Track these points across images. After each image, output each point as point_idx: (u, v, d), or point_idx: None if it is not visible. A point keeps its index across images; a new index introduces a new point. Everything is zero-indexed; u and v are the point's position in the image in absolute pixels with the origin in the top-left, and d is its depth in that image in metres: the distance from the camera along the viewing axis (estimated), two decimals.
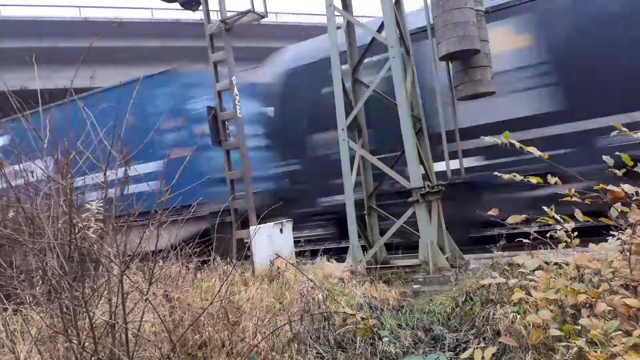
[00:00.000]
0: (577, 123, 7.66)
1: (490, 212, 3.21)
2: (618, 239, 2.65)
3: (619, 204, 2.55)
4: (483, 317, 4.35)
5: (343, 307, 4.80)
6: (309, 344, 4.20)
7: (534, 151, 2.80)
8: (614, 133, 2.72)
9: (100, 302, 3.71)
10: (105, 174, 3.33)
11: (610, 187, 2.53)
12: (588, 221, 2.79)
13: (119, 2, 53.35)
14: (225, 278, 5.03)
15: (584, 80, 7.58)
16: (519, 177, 2.90)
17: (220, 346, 3.96)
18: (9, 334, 3.52)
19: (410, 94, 7.09)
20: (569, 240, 2.77)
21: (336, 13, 7.24)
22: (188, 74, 10.23)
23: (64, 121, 3.68)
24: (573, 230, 2.81)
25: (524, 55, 8.15)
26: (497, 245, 5.93)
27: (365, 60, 7.79)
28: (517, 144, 2.82)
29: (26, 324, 3.71)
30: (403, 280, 6.52)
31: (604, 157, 2.68)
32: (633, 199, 2.47)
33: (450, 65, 7.10)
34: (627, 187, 2.50)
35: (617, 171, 2.62)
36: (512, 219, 2.79)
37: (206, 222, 8.29)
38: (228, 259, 7.24)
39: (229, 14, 9.25)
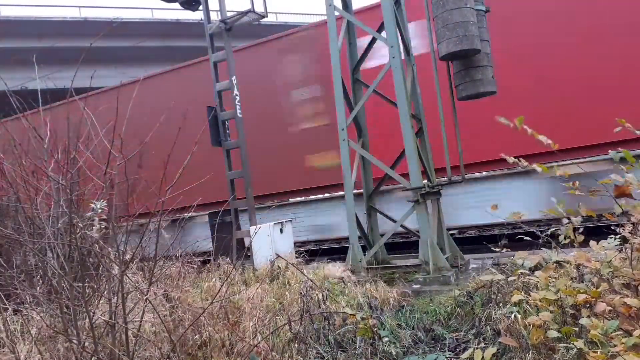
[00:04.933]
0: None
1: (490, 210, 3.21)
2: (620, 237, 2.64)
3: (623, 200, 2.49)
4: (483, 317, 4.35)
5: (343, 307, 4.79)
6: (309, 344, 4.20)
7: (544, 139, 2.71)
8: (618, 129, 2.65)
9: (100, 302, 3.71)
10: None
11: (613, 176, 2.45)
12: (591, 216, 2.73)
13: (119, 2, 53.30)
14: (225, 278, 5.04)
15: None
16: (524, 163, 2.79)
17: (220, 346, 3.96)
18: (9, 334, 3.52)
19: (411, 93, 7.09)
20: (572, 237, 2.75)
21: (336, 13, 7.23)
22: None
23: None
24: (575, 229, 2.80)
25: None
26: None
27: None
28: (529, 130, 2.73)
29: (26, 324, 3.71)
30: (404, 280, 6.51)
31: (610, 152, 2.60)
32: (637, 191, 2.41)
33: (451, 65, 7.10)
34: (630, 177, 2.42)
35: (622, 167, 2.57)
36: (511, 217, 2.79)
37: None
38: (228, 258, 7.25)
39: (229, 14, 9.25)
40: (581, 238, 2.76)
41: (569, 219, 2.80)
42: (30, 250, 3.92)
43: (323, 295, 4.98)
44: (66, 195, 3.51)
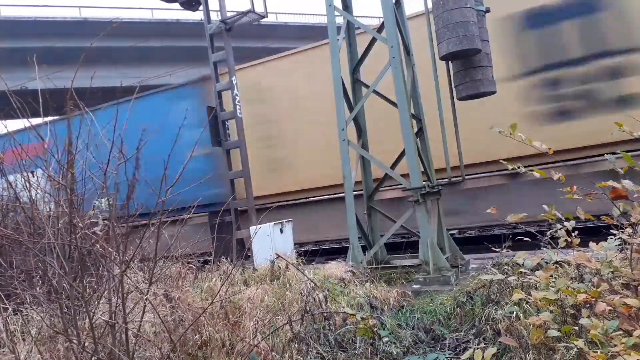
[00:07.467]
0: None
1: (488, 210, 3.22)
2: (618, 238, 2.65)
3: (621, 202, 2.53)
4: (483, 317, 4.35)
5: (343, 307, 4.79)
6: (310, 344, 4.20)
7: (539, 146, 2.80)
8: (615, 132, 2.70)
9: (101, 302, 3.71)
10: None
11: (611, 182, 2.51)
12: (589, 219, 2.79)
13: (119, 2, 53.31)
14: (225, 278, 5.04)
15: None
16: (523, 169, 2.91)
17: (220, 346, 3.96)
18: (9, 334, 3.52)
19: (411, 93, 7.08)
20: (569, 239, 2.77)
21: (336, 13, 7.23)
22: None
23: None
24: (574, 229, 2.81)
25: None
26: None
27: None
28: (522, 136, 2.83)
29: (26, 324, 3.71)
30: (404, 280, 6.51)
31: (606, 155, 2.66)
32: (634, 196, 2.46)
33: (451, 65, 7.10)
34: (627, 183, 2.48)
35: (620, 170, 2.61)
36: (511, 218, 2.80)
37: None
38: (229, 258, 7.25)
39: (229, 14, 9.26)
40: (577, 240, 2.78)
41: (561, 223, 2.84)
42: (31, 250, 3.92)
43: (324, 295, 4.98)
44: (66, 195, 3.51)
